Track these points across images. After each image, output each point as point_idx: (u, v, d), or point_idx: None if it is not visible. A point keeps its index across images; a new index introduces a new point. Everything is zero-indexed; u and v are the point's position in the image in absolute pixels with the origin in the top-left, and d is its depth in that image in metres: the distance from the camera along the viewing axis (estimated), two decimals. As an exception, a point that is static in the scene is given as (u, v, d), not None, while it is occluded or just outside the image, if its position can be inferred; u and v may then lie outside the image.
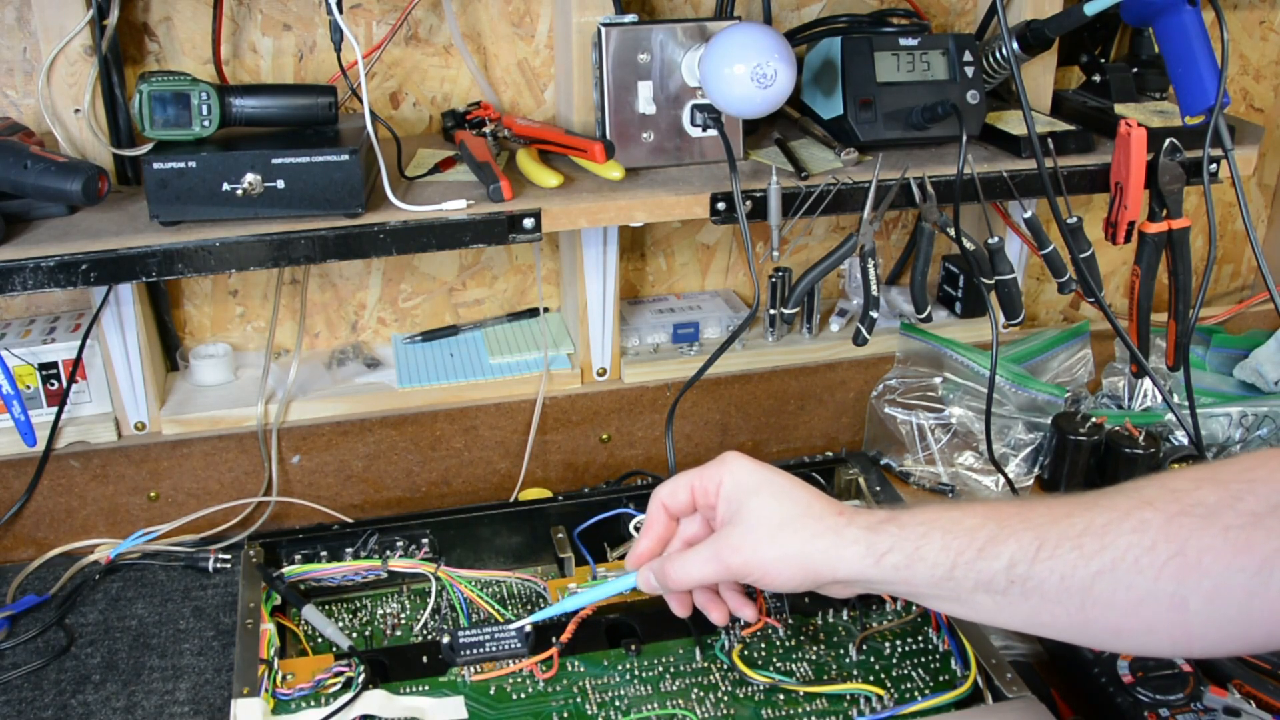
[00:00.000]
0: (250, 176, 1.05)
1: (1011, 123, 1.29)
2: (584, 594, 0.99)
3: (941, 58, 1.23)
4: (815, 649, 1.02)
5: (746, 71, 1.09)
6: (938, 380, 1.39)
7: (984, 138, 1.28)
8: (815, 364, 1.42)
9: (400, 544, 1.14)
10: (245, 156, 1.05)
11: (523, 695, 0.96)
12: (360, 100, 1.10)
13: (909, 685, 0.98)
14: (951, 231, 1.21)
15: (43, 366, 1.22)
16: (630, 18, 1.18)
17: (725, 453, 0.92)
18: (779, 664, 1.00)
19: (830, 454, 1.33)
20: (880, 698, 0.96)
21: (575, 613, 1.02)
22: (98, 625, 1.14)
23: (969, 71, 1.22)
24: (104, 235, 1.05)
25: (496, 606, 1.07)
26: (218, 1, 1.20)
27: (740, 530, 0.85)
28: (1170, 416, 1.35)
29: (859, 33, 1.28)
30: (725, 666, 0.99)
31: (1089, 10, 1.23)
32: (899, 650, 1.02)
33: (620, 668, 0.99)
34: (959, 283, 1.48)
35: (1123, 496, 0.73)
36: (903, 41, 1.22)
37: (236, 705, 0.91)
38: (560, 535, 1.15)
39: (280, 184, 1.06)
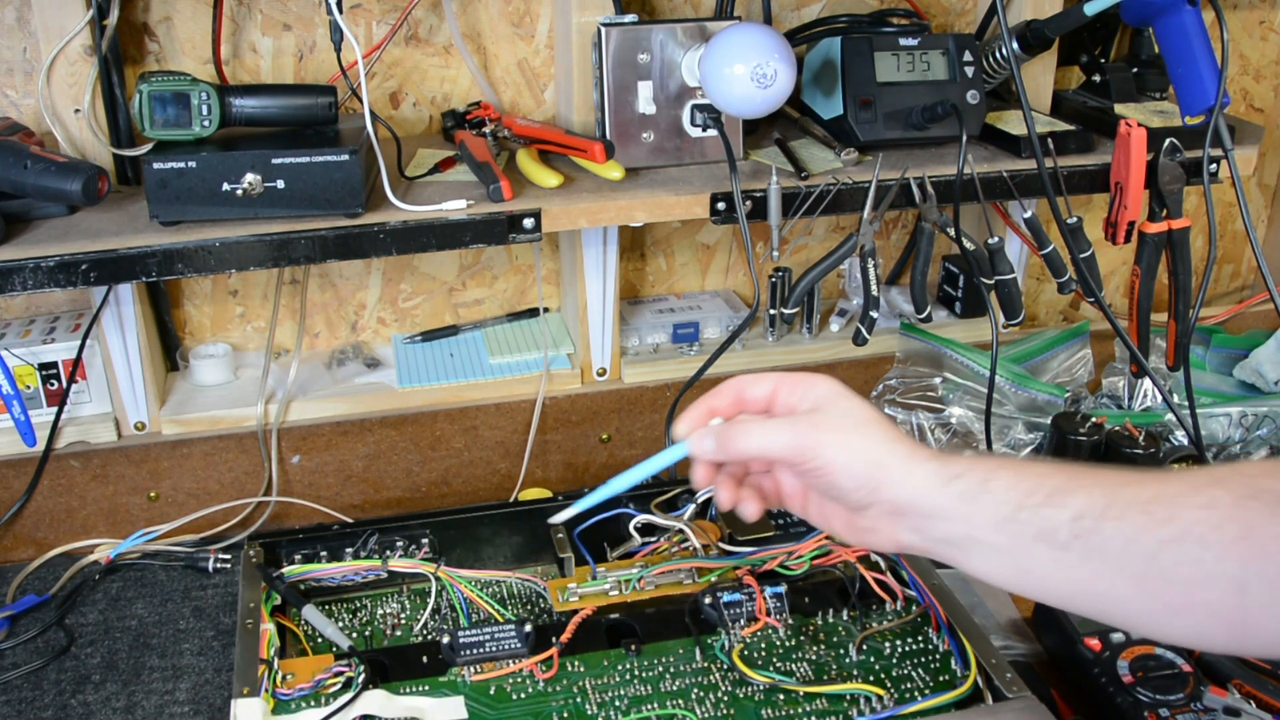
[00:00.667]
0: (250, 176, 1.05)
1: (1011, 123, 1.29)
2: (631, 473, 0.90)
3: (941, 58, 1.23)
4: (815, 649, 1.02)
5: (746, 71, 1.09)
6: (938, 380, 1.39)
7: (984, 138, 1.28)
8: (815, 364, 1.42)
9: (400, 544, 1.14)
10: (245, 156, 1.05)
11: (523, 695, 0.96)
12: (360, 100, 1.10)
13: (909, 685, 0.98)
14: (951, 231, 1.21)
15: (43, 366, 1.22)
16: (630, 18, 1.18)
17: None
18: (779, 664, 1.00)
19: (830, 454, 1.33)
20: (880, 698, 0.95)
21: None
22: (98, 625, 1.14)
23: (969, 71, 1.22)
24: (104, 235, 1.05)
25: (496, 606, 1.07)
26: (218, 1, 1.20)
27: (821, 414, 0.81)
28: (1170, 416, 1.35)
29: (859, 33, 1.28)
30: (725, 666, 0.99)
31: (1089, 10, 1.23)
32: (899, 650, 1.01)
33: (620, 668, 0.99)
34: (959, 283, 1.48)
35: (1193, 473, 0.71)
36: (903, 41, 1.22)
37: (236, 705, 0.91)
38: (560, 535, 1.15)
39: (280, 184, 1.06)
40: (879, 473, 0.78)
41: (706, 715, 0.94)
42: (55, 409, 1.23)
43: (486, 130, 1.24)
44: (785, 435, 0.81)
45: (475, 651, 0.99)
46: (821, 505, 0.84)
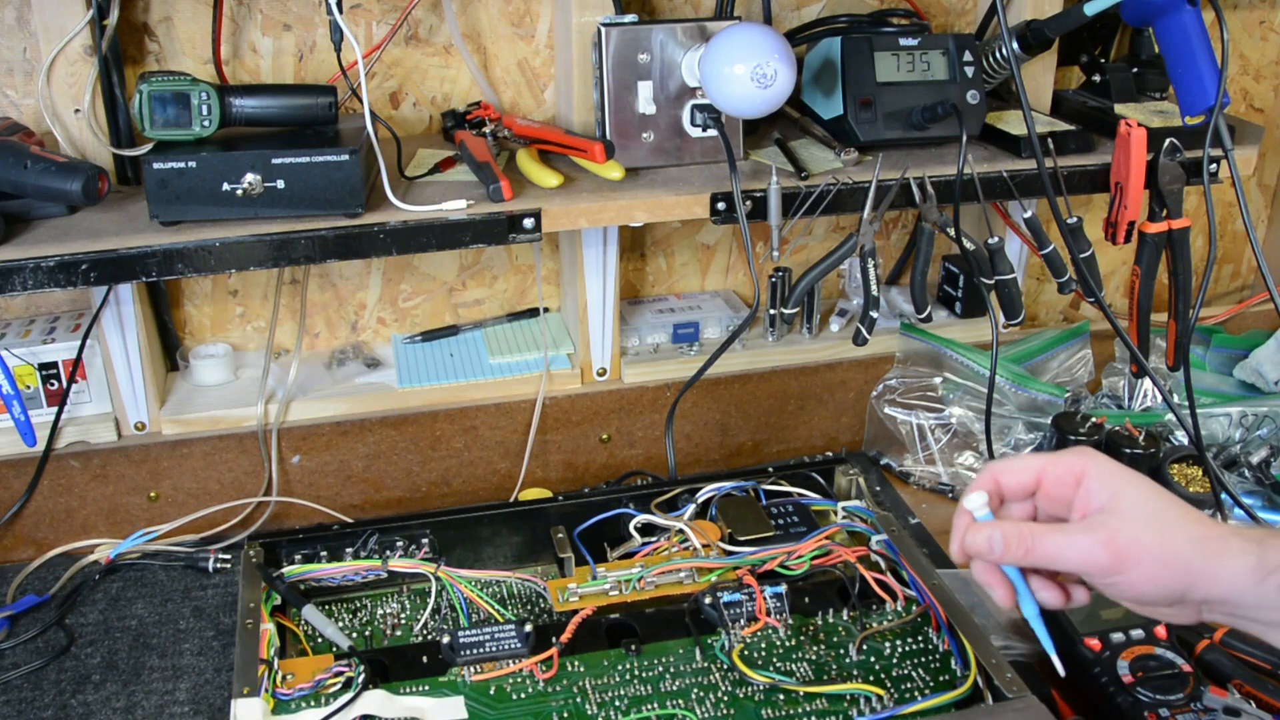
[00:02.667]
0: (250, 176, 1.05)
1: (1011, 123, 1.29)
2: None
3: (941, 58, 1.23)
4: (815, 649, 1.02)
5: (746, 71, 1.09)
6: (938, 380, 1.39)
7: (984, 138, 1.28)
8: (815, 364, 1.42)
9: (400, 544, 1.14)
10: (245, 156, 1.05)
11: (523, 695, 0.96)
12: (360, 100, 1.10)
13: (909, 685, 0.98)
14: (951, 231, 1.21)
15: (43, 366, 1.22)
16: (630, 18, 1.18)
17: (1074, 447, 0.81)
18: (779, 664, 1.00)
19: (830, 454, 1.33)
20: (880, 698, 0.95)
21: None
22: (98, 625, 1.14)
23: (969, 71, 1.22)
24: (104, 235, 1.05)
25: (496, 606, 1.07)
26: (218, 1, 1.20)
27: (1118, 519, 0.75)
28: (1170, 416, 1.35)
29: (859, 33, 1.28)
30: (725, 666, 0.99)
31: (1089, 10, 1.23)
32: (899, 650, 1.01)
33: (620, 668, 0.99)
34: (959, 283, 1.48)
35: None
36: (903, 41, 1.22)
37: (236, 705, 0.91)
38: (560, 535, 1.15)
39: (280, 184, 1.06)
40: (1190, 572, 0.73)
41: (706, 715, 0.94)
42: (55, 409, 1.23)
43: (486, 130, 1.24)
44: (1088, 546, 0.75)
45: (475, 651, 0.99)
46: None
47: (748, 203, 1.16)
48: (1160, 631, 1.02)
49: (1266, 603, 0.72)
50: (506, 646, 0.99)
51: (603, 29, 1.16)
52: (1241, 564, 0.72)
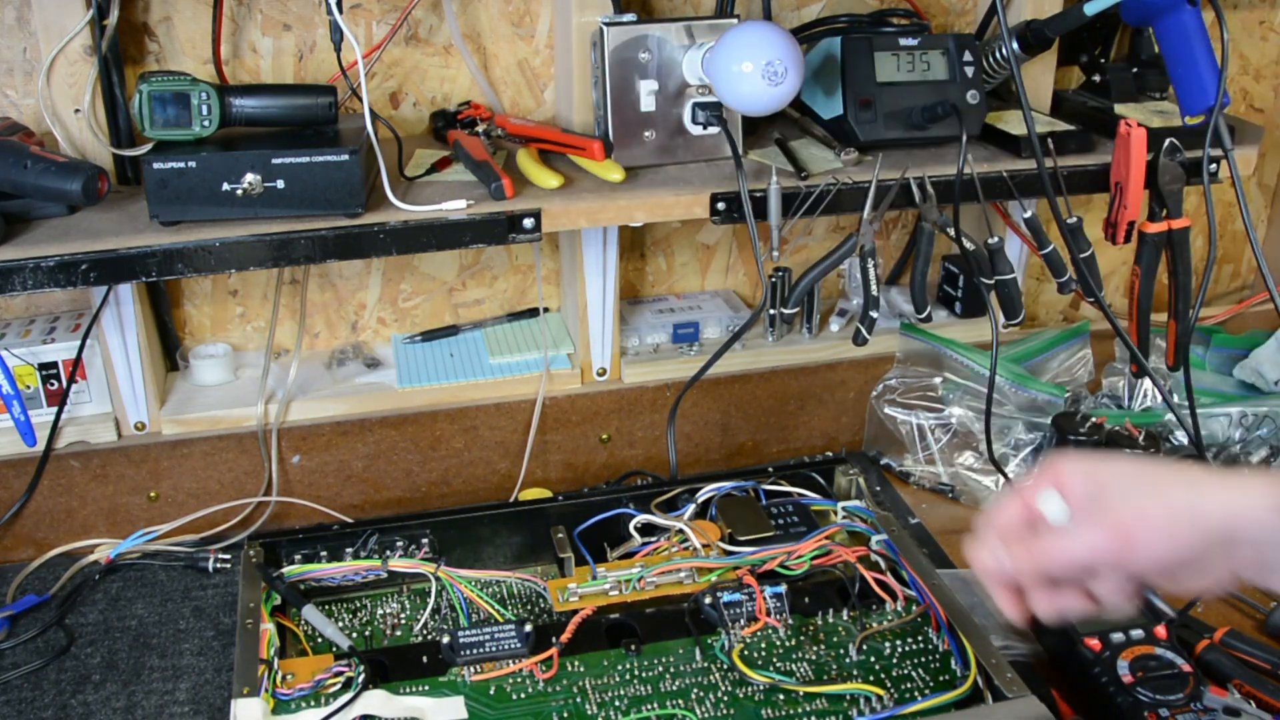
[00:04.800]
0: (250, 176, 1.05)
1: (1011, 123, 1.29)
2: None
3: (941, 58, 1.23)
4: (815, 649, 1.02)
5: (756, 68, 1.09)
6: (938, 380, 1.39)
7: (984, 138, 1.28)
8: (815, 364, 1.42)
9: (400, 544, 1.14)
10: (245, 156, 1.05)
11: (523, 695, 0.96)
12: (360, 100, 1.10)
13: (909, 685, 0.98)
14: (951, 231, 1.21)
15: (43, 366, 1.22)
16: (630, 17, 1.18)
17: (1049, 460, 0.79)
18: (779, 664, 1.00)
19: (830, 454, 1.33)
20: (880, 698, 0.95)
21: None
22: (98, 625, 1.14)
23: (969, 71, 1.22)
24: (104, 235, 1.05)
25: (496, 606, 1.07)
26: (218, 1, 1.20)
27: (1112, 500, 0.72)
28: (1170, 416, 1.35)
29: (859, 33, 1.28)
30: (725, 666, 0.99)
31: (1089, 10, 1.23)
32: (899, 650, 1.01)
33: (620, 668, 0.99)
34: (959, 283, 1.48)
35: None
36: (903, 41, 1.22)
37: (236, 705, 0.91)
38: (560, 535, 1.15)
39: (280, 184, 1.06)
40: (1206, 518, 0.70)
41: (706, 715, 0.94)
42: (55, 409, 1.23)
43: (480, 130, 1.24)
44: (1096, 537, 0.72)
45: (475, 651, 0.99)
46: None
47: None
48: (1160, 631, 1.02)
49: None
50: (506, 646, 0.99)
51: (603, 28, 1.16)
52: (1258, 493, 0.69)
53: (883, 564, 1.11)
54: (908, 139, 1.23)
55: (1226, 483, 0.71)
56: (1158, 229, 1.26)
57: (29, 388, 1.22)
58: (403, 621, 1.08)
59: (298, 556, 1.12)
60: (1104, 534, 0.72)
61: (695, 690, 0.97)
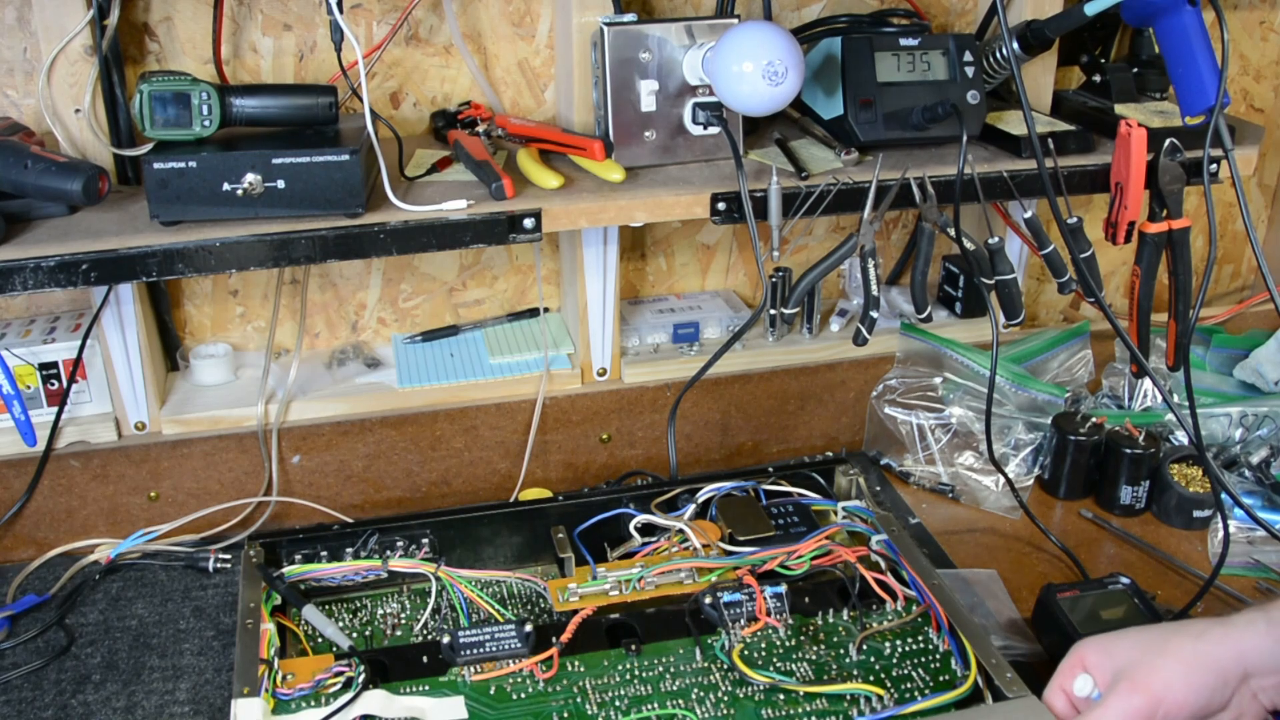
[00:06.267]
0: (250, 176, 1.05)
1: (1011, 123, 1.29)
2: None
3: (941, 58, 1.23)
4: (815, 649, 1.02)
5: (756, 68, 1.09)
6: (938, 380, 1.39)
7: (984, 138, 1.28)
8: (815, 364, 1.42)
9: (400, 544, 1.14)
10: (245, 156, 1.05)
11: (523, 695, 0.96)
12: (360, 100, 1.10)
13: (909, 685, 0.98)
14: (951, 231, 1.21)
15: (43, 366, 1.22)
16: (630, 17, 1.18)
17: (1071, 648, 0.91)
18: (779, 664, 1.00)
19: (830, 454, 1.33)
20: (880, 698, 0.95)
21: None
22: (98, 625, 1.14)
23: (969, 71, 1.22)
24: (104, 235, 1.05)
25: (496, 606, 1.07)
26: (218, 1, 1.20)
27: (1131, 670, 0.84)
28: (1170, 416, 1.35)
29: (859, 33, 1.28)
30: (725, 666, 0.99)
31: (1089, 10, 1.23)
32: (899, 650, 1.01)
33: (620, 668, 0.99)
34: (959, 283, 1.48)
35: None
36: (903, 41, 1.22)
37: (236, 705, 0.91)
38: (560, 535, 1.15)
39: (280, 184, 1.06)
40: (1217, 662, 0.81)
41: (706, 715, 0.94)
42: (55, 409, 1.23)
43: (480, 130, 1.24)
44: (1120, 704, 0.82)
45: (475, 651, 0.99)
46: None
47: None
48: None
49: None
50: (506, 646, 0.99)
51: (603, 28, 1.16)
52: (1254, 632, 0.79)
53: (883, 564, 1.11)
54: (908, 139, 1.23)
55: (1229, 626, 0.81)
56: (1158, 229, 1.26)
57: (29, 388, 1.22)
58: (403, 621, 1.08)
59: (298, 556, 1.12)
60: (1131, 696, 0.82)
61: (695, 690, 0.97)
